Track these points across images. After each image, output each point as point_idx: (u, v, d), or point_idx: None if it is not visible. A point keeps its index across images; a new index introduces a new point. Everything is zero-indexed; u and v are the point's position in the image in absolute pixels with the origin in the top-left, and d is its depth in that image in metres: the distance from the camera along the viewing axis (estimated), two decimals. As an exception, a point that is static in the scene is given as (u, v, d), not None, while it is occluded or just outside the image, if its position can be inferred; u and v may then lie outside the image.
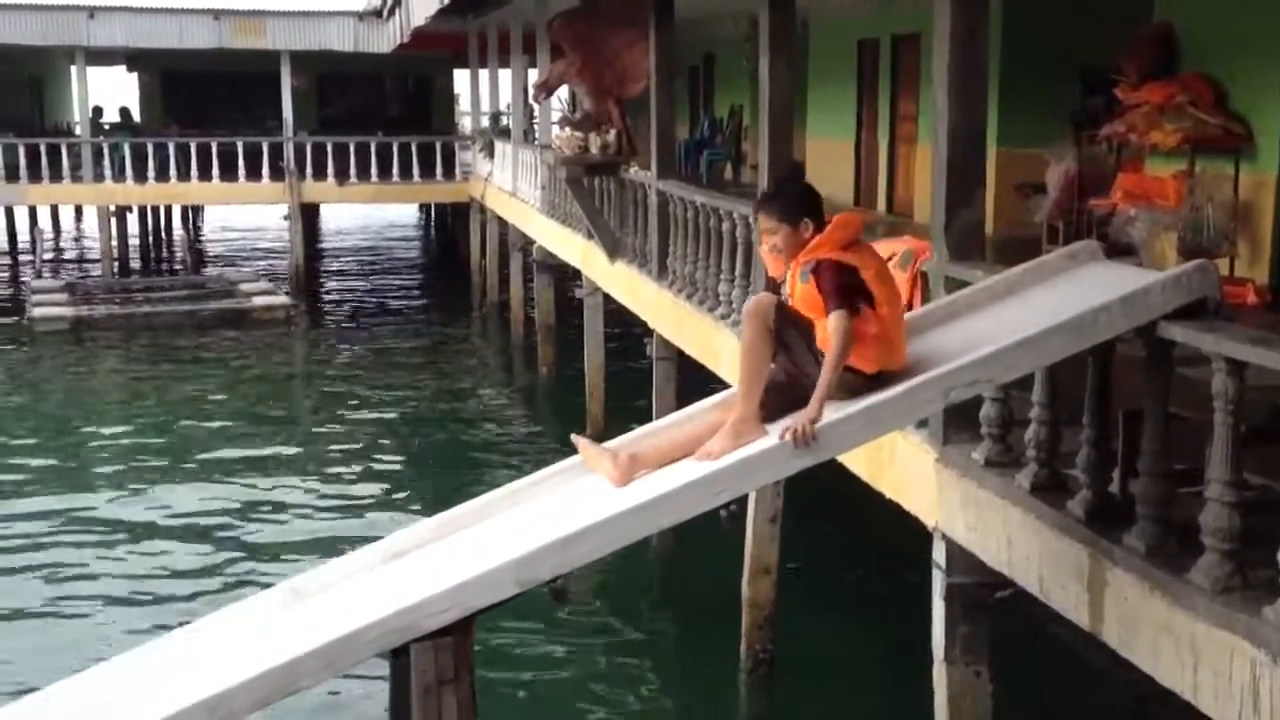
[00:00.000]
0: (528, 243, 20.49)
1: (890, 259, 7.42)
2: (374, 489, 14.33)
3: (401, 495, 14.16)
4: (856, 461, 7.13)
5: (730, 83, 23.54)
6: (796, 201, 5.35)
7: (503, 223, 23.31)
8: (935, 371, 5.10)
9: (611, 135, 13.32)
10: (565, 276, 18.65)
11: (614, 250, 13.57)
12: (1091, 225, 10.90)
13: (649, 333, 12.60)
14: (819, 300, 5.11)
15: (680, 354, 11.73)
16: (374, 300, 27.38)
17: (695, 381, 10.19)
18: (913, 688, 6.65)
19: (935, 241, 6.69)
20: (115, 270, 27.90)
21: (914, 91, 15.98)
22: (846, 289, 5.07)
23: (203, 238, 36.68)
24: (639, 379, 14.27)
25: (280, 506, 13.59)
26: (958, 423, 6.27)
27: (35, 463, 15.19)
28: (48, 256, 31.02)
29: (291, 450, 15.74)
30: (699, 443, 5.30)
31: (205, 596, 10.72)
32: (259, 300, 24.61)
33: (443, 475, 14.62)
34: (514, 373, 20.64)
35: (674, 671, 10.05)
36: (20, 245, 32.74)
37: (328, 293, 28.31)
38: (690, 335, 10.94)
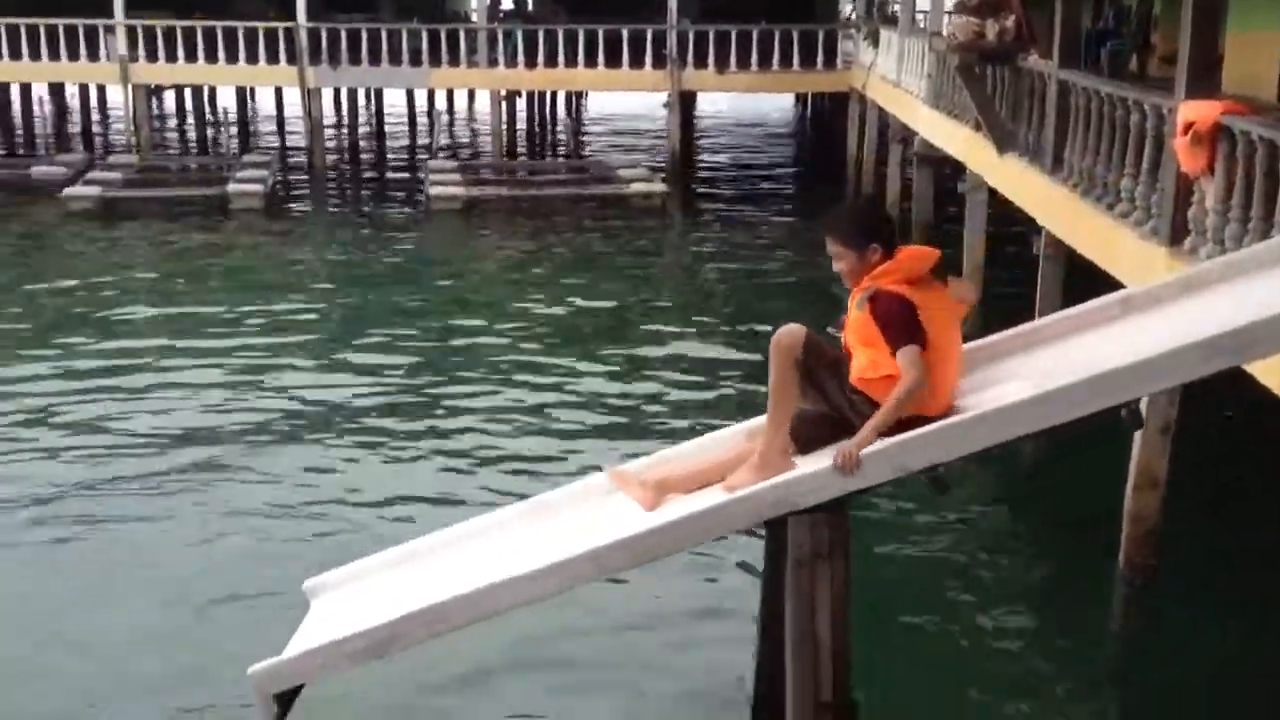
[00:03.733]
0: (908, 134, 19.96)
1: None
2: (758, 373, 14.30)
3: (755, 387, 14.14)
4: (1267, 373, 6.59)
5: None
6: (863, 226, 5.22)
7: (882, 114, 22.80)
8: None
9: (1010, 22, 12.67)
10: (946, 170, 18.05)
11: (1004, 142, 12.98)
12: None
13: (1035, 230, 12.01)
14: (870, 330, 4.99)
15: (1070, 254, 11.15)
16: (746, 190, 27.47)
17: (1084, 282, 9.63)
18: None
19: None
20: (504, 153, 29.12)
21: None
22: (907, 326, 4.94)
23: (584, 124, 37.74)
24: (1020, 279, 13.68)
25: (655, 395, 13.86)
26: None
27: (413, 331, 16.09)
28: (443, 139, 32.71)
29: (674, 329, 16.02)
30: (727, 470, 5.33)
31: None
32: (636, 186, 25.11)
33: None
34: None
35: (1043, 575, 9.72)
36: (418, 127, 34.68)
37: (701, 181, 28.59)
38: (1084, 233, 10.38)
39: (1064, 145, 11.24)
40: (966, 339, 5.47)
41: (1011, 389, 5.21)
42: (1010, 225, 15.74)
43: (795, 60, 26.67)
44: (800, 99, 39.49)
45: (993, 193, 14.04)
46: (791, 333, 5.22)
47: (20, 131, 33.04)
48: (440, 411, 12.94)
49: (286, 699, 5.04)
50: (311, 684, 5.10)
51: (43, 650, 8.11)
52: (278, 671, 5.03)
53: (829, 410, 5.23)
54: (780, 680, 5.41)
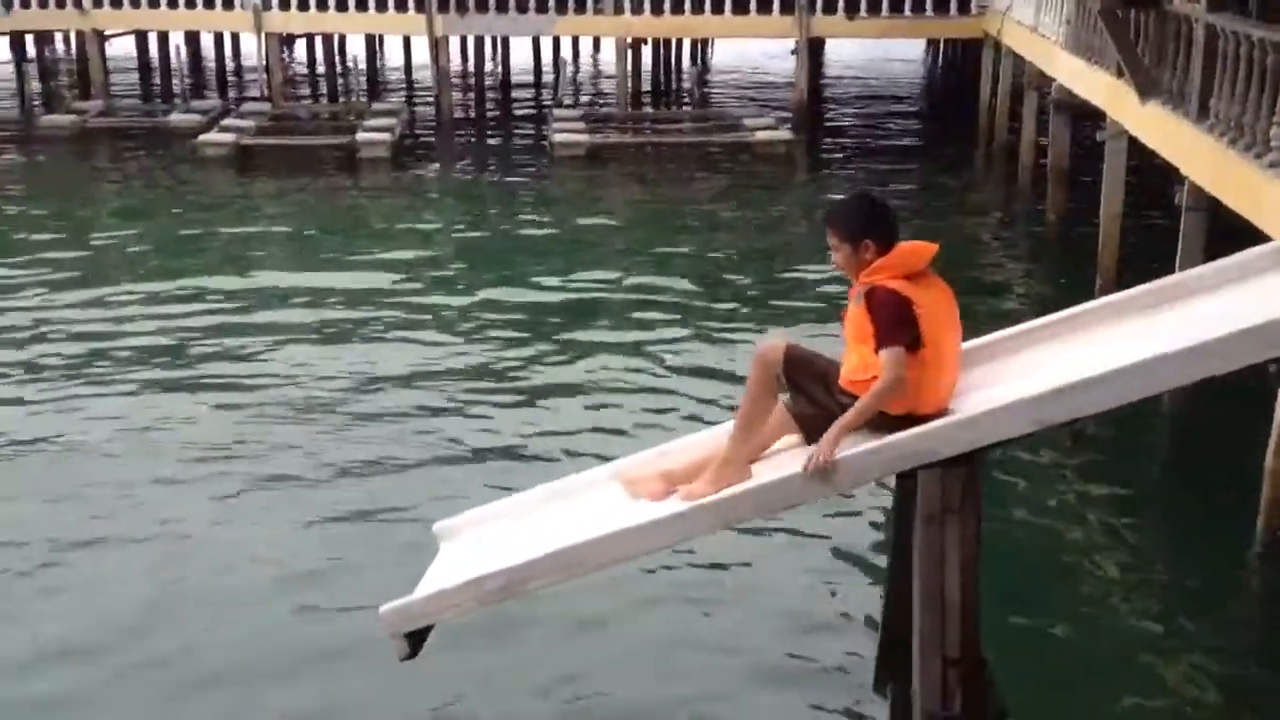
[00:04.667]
0: (1044, 81, 19.42)
1: None
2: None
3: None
4: None
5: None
6: (859, 220, 5.13)
7: (1018, 60, 22.20)
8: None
9: (1155, -37, 12.22)
10: (1083, 118, 17.55)
11: (1147, 89, 12.54)
12: None
13: (1177, 181, 11.63)
14: (865, 326, 4.93)
15: (1215, 205, 10.76)
16: (873, 139, 27.00)
17: (1228, 236, 9.29)
18: None
19: None
20: (628, 101, 29.01)
21: None
22: (900, 324, 4.87)
23: (709, 72, 37.43)
24: (1159, 231, 13.30)
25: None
26: None
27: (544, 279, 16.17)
28: (568, 88, 32.69)
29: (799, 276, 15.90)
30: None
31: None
32: (761, 135, 24.85)
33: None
34: (1015, 218, 19.84)
35: (1178, 535, 9.49)
36: (544, 76, 34.70)
37: (828, 130, 28.19)
38: (1232, 185, 10.00)
39: (1210, 92, 10.82)
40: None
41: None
42: (1151, 175, 15.28)
43: (927, 6, 26.12)
44: (931, 47, 38.64)
45: (1133, 141, 13.61)
46: (774, 347, 5.24)
47: (158, 79, 33.79)
48: (572, 356, 13.01)
49: (417, 637, 5.11)
50: (441, 624, 5.16)
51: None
52: (407, 611, 5.10)
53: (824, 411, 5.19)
54: (906, 634, 5.35)
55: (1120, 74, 13.42)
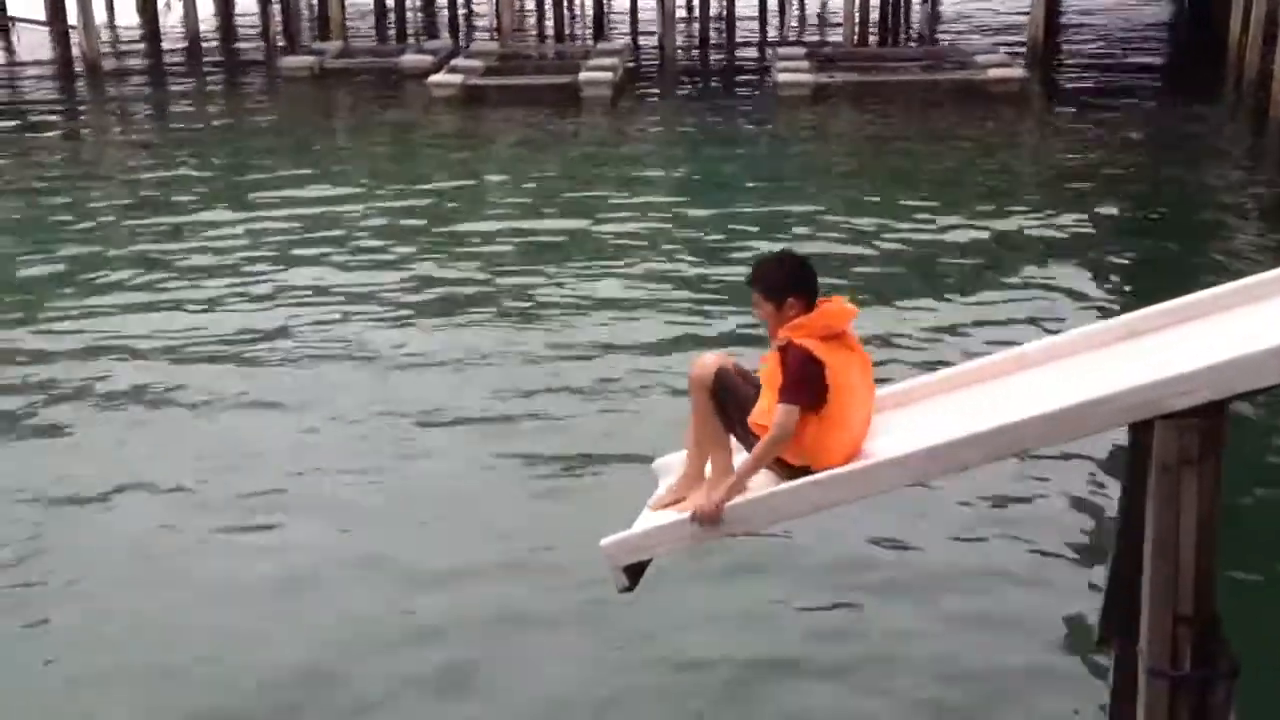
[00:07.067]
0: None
1: None
2: (1102, 279, 13.68)
3: (1129, 288, 13.45)
4: None
5: None
6: (781, 281, 5.17)
7: (1273, -4, 20.99)
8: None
9: None
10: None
11: None
12: None
13: None
14: (777, 377, 4.98)
15: None
16: (1112, 78, 25.88)
17: None
18: None
19: None
20: (855, 39, 28.50)
21: None
22: (804, 383, 4.91)
23: (940, 6, 36.47)
24: None
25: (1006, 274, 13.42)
26: None
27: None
28: (793, 25, 32.34)
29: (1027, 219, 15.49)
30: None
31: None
32: (994, 73, 24.13)
33: (1168, 267, 13.77)
34: (1263, 165, 18.78)
35: None
36: (768, 15, 34.37)
37: (1064, 68, 27.15)
38: None
39: None
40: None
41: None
42: None
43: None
44: (1177, -20, 36.82)
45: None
46: (704, 365, 5.29)
47: (393, 22, 34.78)
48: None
49: (635, 570, 5.18)
50: (658, 559, 5.22)
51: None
52: (626, 544, 5.17)
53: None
54: (1136, 587, 5.17)
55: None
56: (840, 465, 5.09)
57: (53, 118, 24.40)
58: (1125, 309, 7.09)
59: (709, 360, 5.34)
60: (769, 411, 5.05)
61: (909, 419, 5.55)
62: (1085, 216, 15.79)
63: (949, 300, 12.74)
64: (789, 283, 5.23)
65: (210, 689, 6.87)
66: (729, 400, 5.25)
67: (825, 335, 5.13)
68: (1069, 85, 25.42)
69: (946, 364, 5.99)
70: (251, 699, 6.80)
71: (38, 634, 7.44)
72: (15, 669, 7.10)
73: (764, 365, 5.21)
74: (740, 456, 5.22)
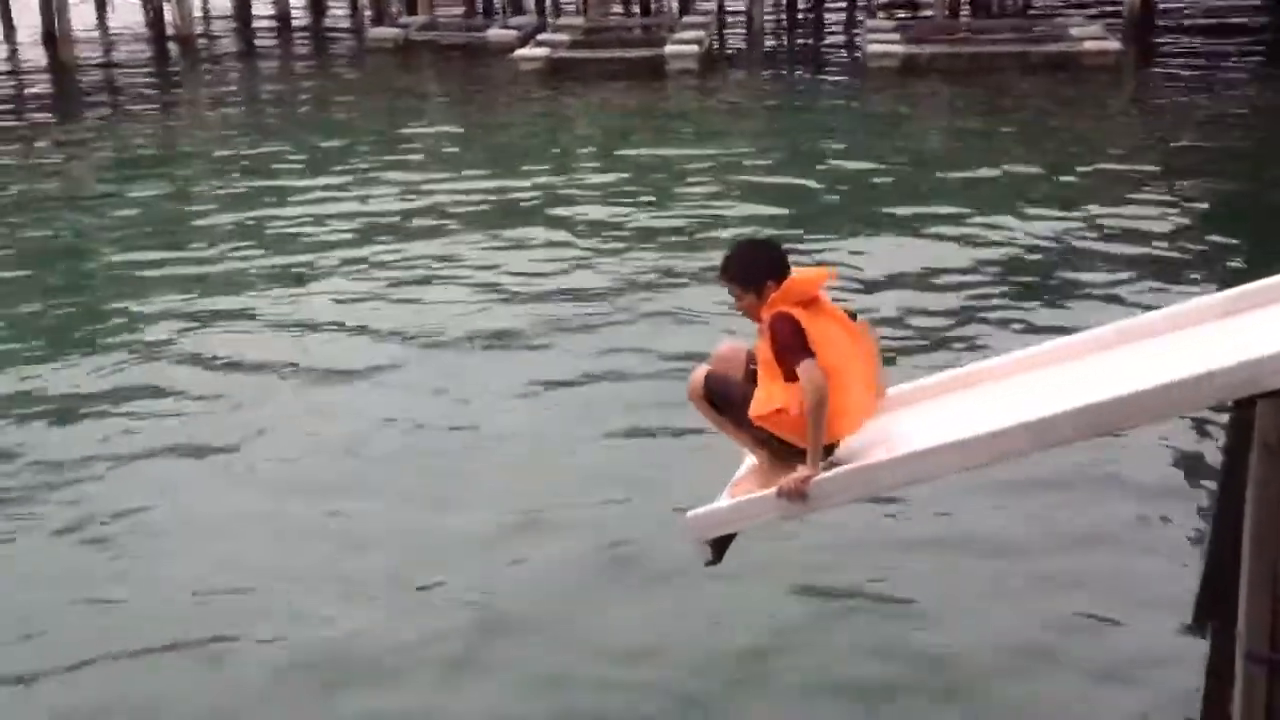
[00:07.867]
0: None
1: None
2: (1204, 262, 13.34)
3: (1221, 264, 13.12)
4: None
5: None
6: (753, 267, 5.12)
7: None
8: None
9: None
10: None
11: None
12: None
13: None
14: (769, 358, 4.92)
15: None
16: (1210, 54, 25.21)
17: None
18: None
19: None
20: (946, 11, 28.10)
21: None
22: (796, 342, 4.91)
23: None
24: None
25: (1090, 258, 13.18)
26: None
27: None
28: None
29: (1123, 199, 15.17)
30: None
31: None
32: (1089, 45, 23.67)
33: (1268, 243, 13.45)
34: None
35: None
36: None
37: (1164, 41, 26.52)
38: None
39: None
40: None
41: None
42: None
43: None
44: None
45: None
46: (694, 377, 5.28)
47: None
48: (897, 272, 12.73)
49: (720, 544, 5.17)
50: (743, 533, 5.20)
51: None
52: (713, 516, 5.15)
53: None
54: (1234, 570, 5.06)
55: None
56: (848, 430, 5.07)
57: (149, 91, 24.84)
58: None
59: (697, 372, 5.33)
60: (769, 399, 5.01)
61: (1002, 394, 5.46)
62: (1183, 197, 15.41)
63: (1050, 282, 12.48)
64: (766, 269, 5.19)
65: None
66: (726, 402, 5.24)
67: (801, 300, 5.09)
68: (1167, 57, 24.84)
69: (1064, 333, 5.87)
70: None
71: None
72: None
73: (758, 356, 5.16)
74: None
